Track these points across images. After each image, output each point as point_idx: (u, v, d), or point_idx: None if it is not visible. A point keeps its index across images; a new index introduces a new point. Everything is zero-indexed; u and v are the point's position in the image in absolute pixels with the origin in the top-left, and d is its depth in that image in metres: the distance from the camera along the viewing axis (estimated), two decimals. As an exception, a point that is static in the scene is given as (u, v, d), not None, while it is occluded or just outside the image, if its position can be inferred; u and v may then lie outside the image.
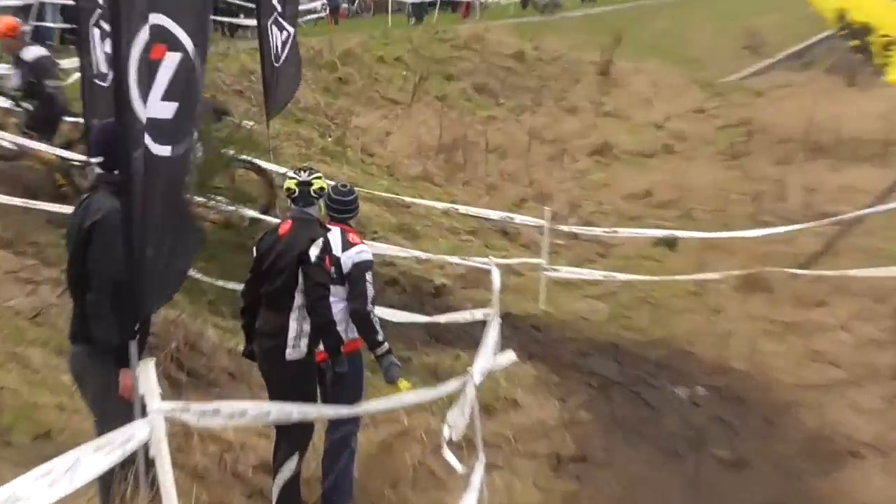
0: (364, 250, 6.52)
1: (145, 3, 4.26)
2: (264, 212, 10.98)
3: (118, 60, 4.15)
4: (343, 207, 6.65)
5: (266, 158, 11.77)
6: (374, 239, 12.10)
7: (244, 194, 11.29)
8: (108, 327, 4.86)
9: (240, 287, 6.59)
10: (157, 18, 4.29)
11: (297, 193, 6.34)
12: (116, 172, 4.63)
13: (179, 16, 4.41)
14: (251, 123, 12.47)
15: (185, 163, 4.59)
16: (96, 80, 8.96)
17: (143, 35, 4.24)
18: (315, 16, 30.50)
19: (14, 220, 9.44)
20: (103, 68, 8.88)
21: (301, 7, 26.93)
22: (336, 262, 6.35)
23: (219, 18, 24.50)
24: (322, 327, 6.06)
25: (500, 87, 23.40)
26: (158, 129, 4.34)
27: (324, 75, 20.91)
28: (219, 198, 10.53)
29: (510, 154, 18.58)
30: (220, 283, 9.29)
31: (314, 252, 6.08)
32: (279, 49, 12.30)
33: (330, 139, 17.12)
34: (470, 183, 16.92)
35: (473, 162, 17.72)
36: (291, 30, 12.51)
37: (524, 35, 28.30)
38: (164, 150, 4.41)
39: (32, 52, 10.57)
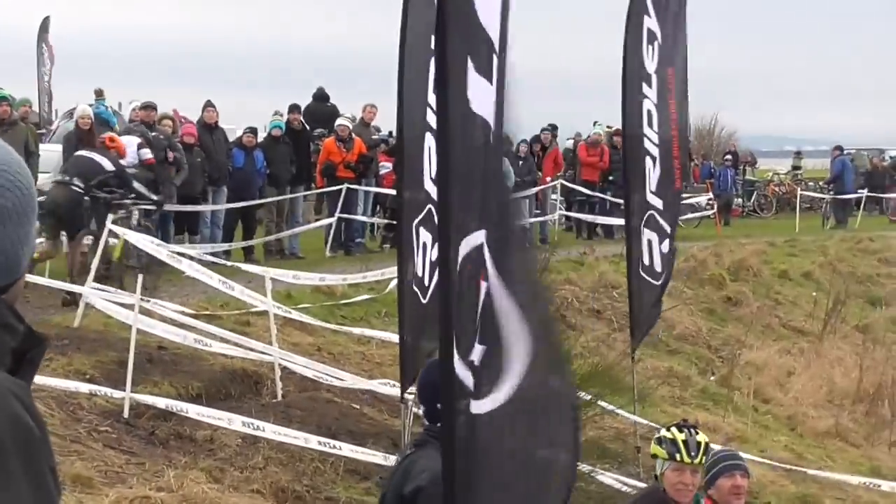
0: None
1: (471, 218, 3.94)
2: None
3: (443, 282, 4.00)
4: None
5: (629, 402, 12.03)
6: (766, 516, 11.97)
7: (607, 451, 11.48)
8: None
9: None
10: (477, 238, 3.95)
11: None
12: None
13: (493, 233, 3.98)
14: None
15: (502, 420, 4.12)
16: (415, 287, 9.26)
17: (468, 257, 3.96)
18: (698, 215, 30.68)
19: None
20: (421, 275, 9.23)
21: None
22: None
23: (573, 214, 25.52)
24: None
25: (946, 318, 22.79)
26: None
27: (707, 293, 21.14)
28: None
29: (960, 409, 17.91)
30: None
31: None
32: (651, 258, 12.42)
33: (713, 378, 17.19)
34: (900, 445, 16.44)
35: (905, 417, 17.22)
36: (669, 231, 12.64)
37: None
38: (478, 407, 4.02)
39: None
